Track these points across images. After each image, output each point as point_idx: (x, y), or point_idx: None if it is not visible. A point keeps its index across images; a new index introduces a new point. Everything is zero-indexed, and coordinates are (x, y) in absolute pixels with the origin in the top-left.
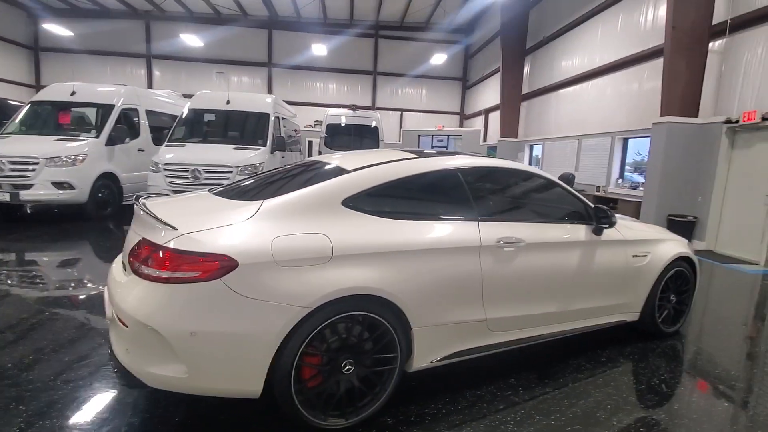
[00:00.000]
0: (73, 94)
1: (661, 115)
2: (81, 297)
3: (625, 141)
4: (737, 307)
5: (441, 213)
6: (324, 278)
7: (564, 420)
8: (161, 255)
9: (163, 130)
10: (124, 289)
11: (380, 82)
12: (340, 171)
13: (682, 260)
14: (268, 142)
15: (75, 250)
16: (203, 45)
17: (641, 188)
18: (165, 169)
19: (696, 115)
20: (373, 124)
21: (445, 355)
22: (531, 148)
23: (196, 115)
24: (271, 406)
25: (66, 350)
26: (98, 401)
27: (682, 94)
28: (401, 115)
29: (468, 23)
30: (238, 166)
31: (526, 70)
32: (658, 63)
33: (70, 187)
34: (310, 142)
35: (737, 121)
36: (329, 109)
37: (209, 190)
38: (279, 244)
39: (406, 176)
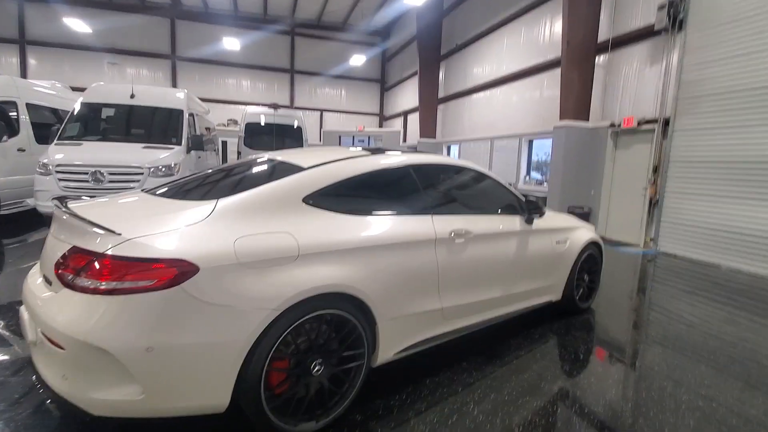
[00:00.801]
0: None
1: (560, 119)
2: None
3: (530, 142)
4: (625, 283)
5: (398, 208)
6: (292, 278)
7: (515, 393)
8: (103, 264)
9: (49, 126)
10: (54, 306)
11: (298, 81)
12: (296, 168)
13: (592, 245)
14: (183, 141)
15: None
16: (92, 32)
17: (545, 184)
18: (58, 171)
19: (587, 120)
20: (296, 123)
21: (406, 347)
22: (449, 148)
23: (93, 110)
24: (233, 418)
25: None
26: None
27: (575, 101)
28: (321, 115)
29: (385, 27)
30: (150, 167)
31: (441, 74)
32: (555, 73)
33: None
34: (225, 142)
35: (619, 125)
36: (247, 107)
37: (143, 191)
38: (242, 245)
39: (364, 173)
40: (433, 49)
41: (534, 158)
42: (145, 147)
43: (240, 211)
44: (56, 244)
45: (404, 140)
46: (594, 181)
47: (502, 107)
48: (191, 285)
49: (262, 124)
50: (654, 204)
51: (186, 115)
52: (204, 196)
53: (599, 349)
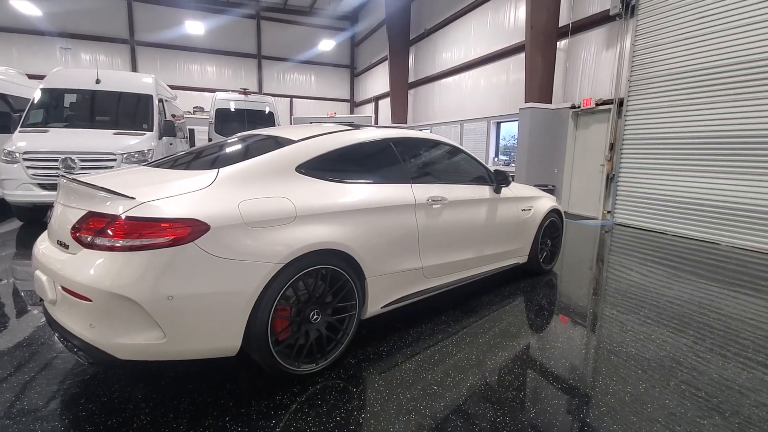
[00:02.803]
0: None
1: (525, 102)
2: None
3: (498, 125)
4: (584, 250)
5: (380, 177)
6: (291, 236)
7: (489, 337)
8: (121, 225)
9: (6, 115)
10: (77, 265)
11: (266, 66)
12: (287, 141)
13: (554, 212)
14: (155, 127)
15: None
16: (42, 14)
17: (512, 164)
18: (26, 159)
19: (550, 102)
20: (267, 109)
21: (391, 301)
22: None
23: (56, 96)
24: (239, 369)
25: None
26: (40, 395)
27: (539, 84)
28: (291, 101)
29: (352, 11)
30: (123, 154)
31: (411, 59)
32: (520, 57)
33: None
34: (191, 130)
35: (579, 107)
36: (217, 93)
37: (141, 164)
38: (246, 208)
39: (348, 145)
40: (403, 34)
41: (501, 143)
42: (116, 133)
43: (240, 178)
44: (67, 211)
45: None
46: (557, 160)
47: (471, 91)
48: (203, 241)
49: (232, 110)
50: (610, 179)
51: (156, 101)
52: (204, 167)
53: (560, 304)
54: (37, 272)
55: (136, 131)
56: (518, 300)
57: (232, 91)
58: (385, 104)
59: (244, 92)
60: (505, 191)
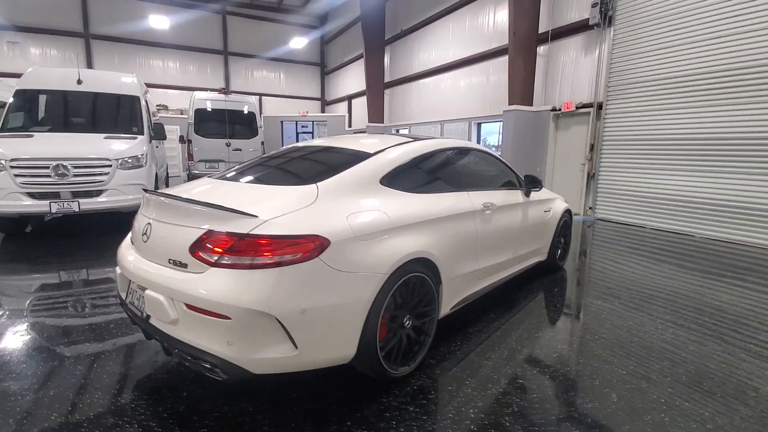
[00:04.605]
0: None
1: (509, 104)
2: None
3: (479, 125)
4: (575, 245)
5: (443, 186)
6: (392, 247)
7: (530, 326)
8: (252, 243)
9: None
10: (208, 284)
11: (233, 63)
12: (363, 154)
13: (566, 212)
14: (146, 130)
15: None
16: None
17: None
18: (13, 167)
19: (531, 104)
20: (246, 109)
21: (456, 303)
22: (398, 132)
23: (35, 98)
24: (323, 376)
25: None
26: (150, 417)
27: (521, 87)
28: (260, 99)
29: (322, 8)
30: (117, 159)
31: (387, 59)
32: (499, 61)
33: None
34: None
35: (559, 110)
36: (195, 92)
37: (215, 177)
38: (354, 221)
39: (418, 156)
40: (378, 34)
41: (481, 142)
42: (107, 137)
43: (337, 192)
44: (173, 229)
45: (350, 125)
46: (539, 159)
47: (450, 92)
48: (326, 256)
49: (209, 110)
50: (591, 177)
51: (143, 102)
52: (295, 181)
53: (581, 294)
54: (149, 292)
55: (126, 135)
56: (546, 294)
57: (211, 90)
58: (358, 103)
59: (224, 92)
60: (532, 195)
